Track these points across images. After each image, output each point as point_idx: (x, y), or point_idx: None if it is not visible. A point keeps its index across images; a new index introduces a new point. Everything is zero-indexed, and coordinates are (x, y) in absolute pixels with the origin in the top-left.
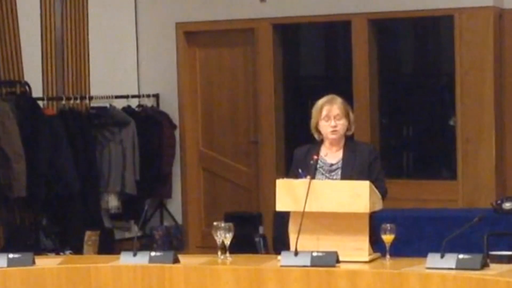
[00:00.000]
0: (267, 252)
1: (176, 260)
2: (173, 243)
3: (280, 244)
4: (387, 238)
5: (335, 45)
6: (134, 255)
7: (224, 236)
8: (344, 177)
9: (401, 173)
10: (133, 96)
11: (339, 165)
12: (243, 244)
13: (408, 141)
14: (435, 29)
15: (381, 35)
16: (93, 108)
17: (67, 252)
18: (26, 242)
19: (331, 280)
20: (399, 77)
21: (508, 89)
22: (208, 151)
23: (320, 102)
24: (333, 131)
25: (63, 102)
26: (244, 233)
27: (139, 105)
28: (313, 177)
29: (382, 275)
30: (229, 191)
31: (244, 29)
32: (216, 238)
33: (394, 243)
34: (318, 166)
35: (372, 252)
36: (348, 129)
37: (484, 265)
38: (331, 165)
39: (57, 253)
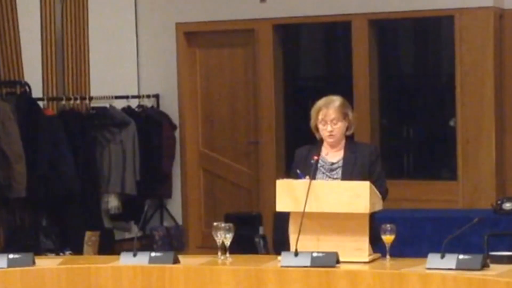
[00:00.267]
0: (267, 253)
1: (176, 261)
2: (173, 243)
3: (281, 247)
4: (387, 238)
5: (335, 46)
6: (134, 255)
7: (224, 237)
8: (344, 177)
9: (401, 173)
10: (133, 97)
11: (340, 164)
12: (243, 244)
13: (408, 142)
14: (435, 30)
15: (381, 35)
16: (93, 108)
17: (67, 252)
18: (26, 243)
19: (331, 280)
20: (400, 78)
21: (508, 89)
22: (208, 151)
23: (318, 104)
24: (330, 136)
25: (63, 102)
26: (244, 234)
27: (139, 106)
28: (313, 178)
29: (382, 276)
30: (229, 191)
31: (244, 30)
32: (216, 238)
33: (394, 243)
34: (318, 165)
35: (372, 253)
36: (347, 129)
37: (484, 266)
38: (332, 164)
39: (57, 254)
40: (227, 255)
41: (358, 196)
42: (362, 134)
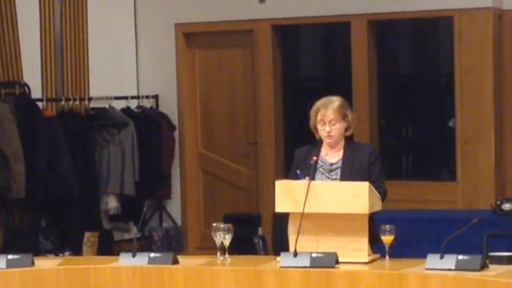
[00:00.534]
0: (266, 253)
1: (175, 261)
2: (172, 244)
3: (280, 248)
4: (387, 239)
5: (334, 46)
6: (133, 256)
7: (223, 237)
8: (343, 177)
9: (400, 174)
10: (133, 97)
11: (339, 164)
12: (242, 245)
13: (407, 142)
14: (434, 30)
15: (380, 36)
16: (92, 109)
17: (66, 253)
18: (25, 243)
19: (331, 281)
20: (399, 78)
21: (507, 90)
22: (208, 152)
23: (317, 104)
24: (328, 136)
25: (62, 103)
26: (243, 234)
27: (139, 106)
28: (312, 178)
29: (381, 276)
30: (228, 192)
31: (243, 30)
32: (215, 239)
33: (393, 244)
34: (318, 165)
35: (371, 253)
36: (346, 129)
37: (483, 266)
38: (331, 164)
39: (56, 254)
40: (226, 255)
41: (358, 197)
42: (362, 134)
